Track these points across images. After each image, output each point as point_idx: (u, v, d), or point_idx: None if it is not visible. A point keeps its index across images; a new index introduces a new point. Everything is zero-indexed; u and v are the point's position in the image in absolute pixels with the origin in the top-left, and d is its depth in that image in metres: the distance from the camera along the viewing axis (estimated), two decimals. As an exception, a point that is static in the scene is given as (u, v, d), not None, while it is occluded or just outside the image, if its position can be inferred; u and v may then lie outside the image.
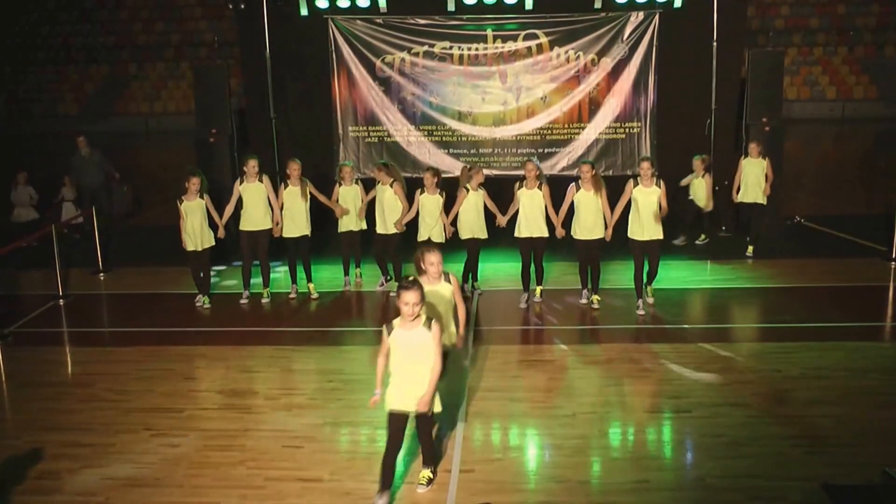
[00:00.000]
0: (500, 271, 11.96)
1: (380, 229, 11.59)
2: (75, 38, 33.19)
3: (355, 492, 6.73)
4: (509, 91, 14.07)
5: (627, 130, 13.99)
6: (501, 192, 12.01)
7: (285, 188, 11.47)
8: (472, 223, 11.06)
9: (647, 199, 10.26)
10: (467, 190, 11.03)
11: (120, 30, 33.25)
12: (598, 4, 13.53)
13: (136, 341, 10.27)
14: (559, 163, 14.06)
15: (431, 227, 11.05)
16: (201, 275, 11.49)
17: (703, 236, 13.69)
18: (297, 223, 11.49)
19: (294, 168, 11.42)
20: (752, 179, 12.78)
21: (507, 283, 11.74)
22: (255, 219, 11.35)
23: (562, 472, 6.98)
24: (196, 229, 11.14)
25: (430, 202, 11.05)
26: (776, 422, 7.95)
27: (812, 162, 19.08)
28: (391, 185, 11.37)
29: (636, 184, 10.34)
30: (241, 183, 11.34)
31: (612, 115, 14.02)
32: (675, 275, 10.92)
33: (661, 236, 10.41)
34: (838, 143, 18.73)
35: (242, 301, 11.55)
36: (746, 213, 13.22)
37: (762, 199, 12.81)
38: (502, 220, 10.94)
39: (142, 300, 11.96)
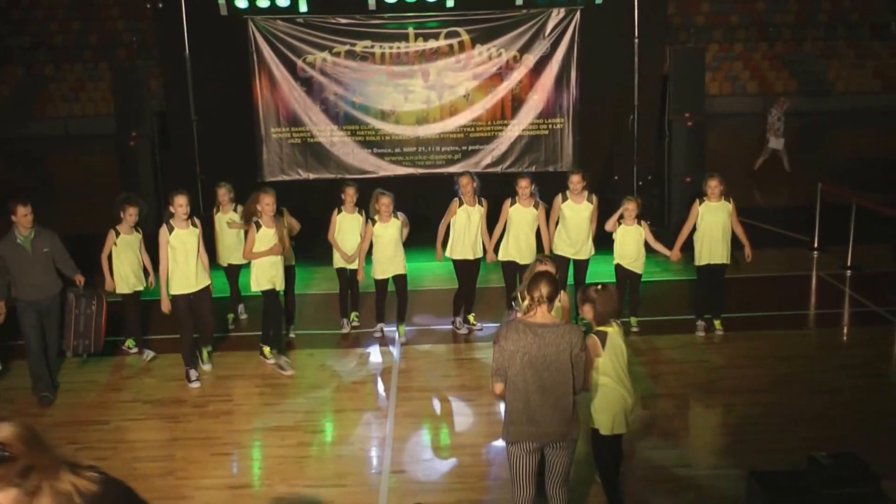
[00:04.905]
0: (425, 270, 11.85)
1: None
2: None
3: (286, 496, 6.66)
4: (432, 89, 14.00)
5: (550, 126, 14.02)
6: (425, 191, 11.99)
7: (216, 212, 10.12)
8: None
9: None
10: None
11: (35, 30, 32.32)
12: (518, 1, 13.55)
13: (58, 353, 9.97)
14: (483, 160, 13.99)
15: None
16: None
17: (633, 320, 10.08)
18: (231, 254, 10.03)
19: (223, 194, 9.99)
20: (717, 233, 9.56)
21: (434, 283, 11.67)
22: (189, 277, 8.73)
23: (497, 470, 6.98)
24: (133, 267, 9.38)
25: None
26: (705, 411, 8.07)
27: (735, 156, 19.44)
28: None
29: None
30: (169, 231, 8.59)
31: (535, 111, 14.02)
32: (600, 268, 10.85)
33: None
34: (761, 136, 19.10)
35: (192, 385, 8.91)
36: (705, 279, 9.78)
37: (726, 259, 9.70)
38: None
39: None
